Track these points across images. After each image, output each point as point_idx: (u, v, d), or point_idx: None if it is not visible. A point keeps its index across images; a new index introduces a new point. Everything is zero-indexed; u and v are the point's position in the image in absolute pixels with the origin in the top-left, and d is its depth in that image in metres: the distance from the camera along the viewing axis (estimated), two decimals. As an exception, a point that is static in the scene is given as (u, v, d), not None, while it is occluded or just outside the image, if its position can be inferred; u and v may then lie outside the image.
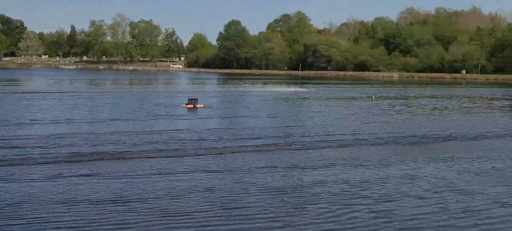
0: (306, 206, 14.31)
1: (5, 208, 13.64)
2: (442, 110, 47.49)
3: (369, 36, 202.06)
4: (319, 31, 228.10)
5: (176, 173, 18.05)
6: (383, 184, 16.94)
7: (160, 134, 27.75)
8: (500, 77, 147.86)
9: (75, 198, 14.64)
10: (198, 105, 45.05)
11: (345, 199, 14.97)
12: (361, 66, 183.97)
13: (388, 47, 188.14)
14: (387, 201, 14.86)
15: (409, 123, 35.80)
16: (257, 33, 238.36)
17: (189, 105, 44.91)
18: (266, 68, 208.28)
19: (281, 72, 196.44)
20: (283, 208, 14.11)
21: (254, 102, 53.40)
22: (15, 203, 14.08)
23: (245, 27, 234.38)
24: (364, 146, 25.12)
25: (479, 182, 17.50)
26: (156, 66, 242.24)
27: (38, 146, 22.72)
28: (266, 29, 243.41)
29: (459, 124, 35.81)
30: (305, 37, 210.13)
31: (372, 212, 13.79)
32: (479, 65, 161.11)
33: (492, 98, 67.75)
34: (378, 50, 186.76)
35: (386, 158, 21.64)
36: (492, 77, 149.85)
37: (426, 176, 18.22)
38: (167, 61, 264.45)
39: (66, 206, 13.87)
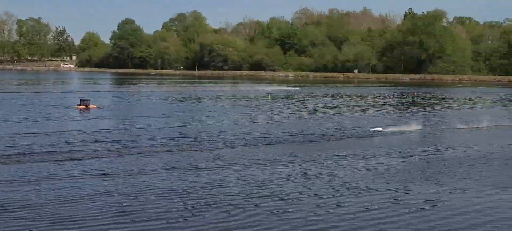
0: (204, 207, 13.96)
1: None
2: (335, 108, 48.51)
3: (265, 36, 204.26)
4: (215, 31, 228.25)
5: (67, 177, 17.17)
6: (281, 183, 16.85)
7: (49, 136, 26.44)
8: (390, 76, 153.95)
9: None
10: (90, 106, 43.58)
11: (243, 200, 14.73)
12: (257, 66, 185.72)
13: (284, 47, 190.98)
14: (286, 200, 14.75)
15: (303, 122, 36.22)
16: (152, 32, 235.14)
17: (81, 106, 43.33)
18: (162, 68, 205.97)
19: (177, 72, 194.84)
20: (181, 211, 13.69)
21: (148, 103, 52.43)
22: None
23: (139, 26, 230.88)
24: (261, 145, 25.04)
25: (374, 179, 17.78)
26: (45, 66, 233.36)
27: None
28: (161, 28, 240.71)
29: (351, 121, 36.64)
30: (201, 37, 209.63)
31: (271, 212, 13.62)
32: (370, 64, 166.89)
33: (382, 96, 70.11)
34: (274, 50, 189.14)
35: (282, 157, 21.64)
36: (382, 76, 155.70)
37: (322, 175, 18.31)
38: (57, 60, 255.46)
39: None
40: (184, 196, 15.13)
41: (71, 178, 17.19)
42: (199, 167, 19.37)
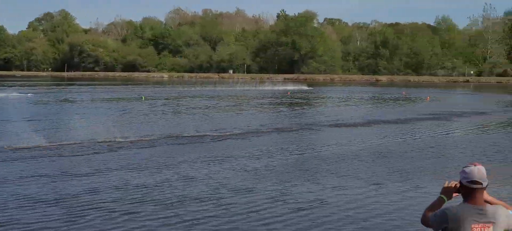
0: (80, 217, 12.98)
1: None
2: (210, 109, 48.33)
3: (137, 36, 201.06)
4: (85, 31, 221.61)
5: None
6: (160, 188, 16.13)
7: None
8: (265, 76, 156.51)
9: None
10: None
11: (122, 206, 13.90)
12: (131, 67, 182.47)
13: (157, 47, 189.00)
14: (165, 204, 14.10)
15: (178, 122, 35.65)
16: (16, 32, 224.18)
17: None
18: (28, 70, 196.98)
19: (45, 73, 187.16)
20: (53, 221, 12.63)
21: (10, 105, 49.75)
22: None
23: (2, 25, 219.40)
24: (135, 148, 24.12)
25: (255, 180, 17.51)
26: None
27: None
28: (27, 28, 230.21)
29: (227, 122, 36.48)
30: (71, 37, 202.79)
31: (150, 218, 12.92)
32: (245, 65, 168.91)
33: (258, 97, 70.92)
34: (147, 51, 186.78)
35: (158, 160, 20.90)
36: (257, 76, 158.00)
37: (202, 177, 17.80)
38: None
39: None
40: (55, 204, 14.05)
41: None
42: (71, 172, 18.20)
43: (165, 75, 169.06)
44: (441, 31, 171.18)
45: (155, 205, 14.09)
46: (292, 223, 12.86)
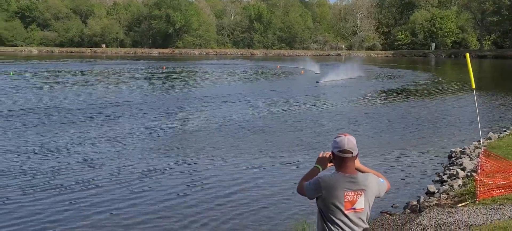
0: None
1: None
2: (82, 85, 46.98)
3: (2, 9, 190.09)
4: None
5: None
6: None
7: None
8: (139, 51, 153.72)
9: None
10: None
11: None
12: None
13: (24, 20, 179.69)
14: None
15: (45, 98, 34.47)
16: None
17: None
18: None
19: None
20: None
21: None
22: None
23: None
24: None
25: (137, 155, 17.38)
26: None
27: None
28: None
29: (100, 97, 35.70)
30: None
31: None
32: (118, 39, 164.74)
33: (131, 71, 69.65)
34: (14, 24, 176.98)
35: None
36: (131, 51, 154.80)
37: (74, 155, 17.44)
38: None
39: None
40: None
41: None
42: None
43: (34, 50, 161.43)
44: (312, 6, 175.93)
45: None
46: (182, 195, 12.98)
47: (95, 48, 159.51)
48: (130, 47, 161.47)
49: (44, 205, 12.25)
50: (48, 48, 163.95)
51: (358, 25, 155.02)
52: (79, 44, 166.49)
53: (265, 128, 23.38)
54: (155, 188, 13.80)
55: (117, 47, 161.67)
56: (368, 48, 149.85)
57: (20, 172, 15.03)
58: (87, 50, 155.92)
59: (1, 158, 16.83)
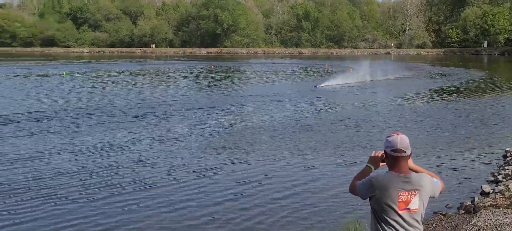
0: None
1: None
2: (134, 83, 47.70)
3: (55, 10, 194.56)
4: (0, 6, 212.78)
5: None
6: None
7: None
8: (188, 50, 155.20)
9: None
10: None
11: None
12: (50, 42, 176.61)
13: (76, 22, 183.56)
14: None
15: (97, 98, 35.09)
16: None
17: None
18: None
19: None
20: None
21: None
22: None
23: None
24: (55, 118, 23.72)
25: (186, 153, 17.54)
26: None
27: None
28: None
29: (151, 96, 36.17)
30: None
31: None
32: (167, 39, 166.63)
33: (180, 71, 70.30)
34: (66, 25, 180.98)
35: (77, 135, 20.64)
36: (180, 50, 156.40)
37: (130, 153, 17.72)
38: None
39: None
40: None
41: None
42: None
43: (86, 50, 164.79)
44: (360, 4, 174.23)
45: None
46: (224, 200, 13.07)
47: (145, 48, 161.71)
48: (179, 47, 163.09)
49: (100, 204, 12.51)
50: (99, 49, 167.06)
51: (408, 23, 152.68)
52: (129, 45, 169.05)
53: (313, 127, 23.30)
54: (208, 187, 13.93)
55: (166, 47, 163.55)
56: (418, 46, 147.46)
57: (76, 171, 15.37)
58: (137, 50, 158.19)
59: (58, 157, 17.22)
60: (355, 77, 48.72)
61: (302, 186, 14.09)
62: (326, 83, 44.82)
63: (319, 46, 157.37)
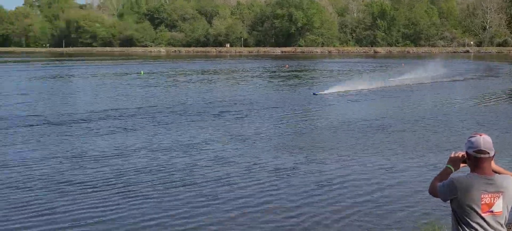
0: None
1: None
2: (208, 83, 48.35)
3: (133, 11, 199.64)
4: (81, 7, 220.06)
5: None
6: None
7: None
8: (262, 49, 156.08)
9: None
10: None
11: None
12: (128, 42, 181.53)
13: (154, 22, 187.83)
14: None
15: (174, 96, 35.74)
16: (13, 9, 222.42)
17: None
18: (27, 46, 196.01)
19: (44, 49, 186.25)
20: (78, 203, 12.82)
21: (13, 79, 49.88)
22: None
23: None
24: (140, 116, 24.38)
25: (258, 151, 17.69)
26: None
27: None
28: (23, 5, 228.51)
29: (228, 95, 36.58)
30: (66, 13, 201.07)
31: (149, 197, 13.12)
32: (242, 38, 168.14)
33: (253, 70, 70.73)
34: (144, 25, 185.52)
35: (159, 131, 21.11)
36: (254, 49, 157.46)
37: (207, 151, 18.04)
38: None
39: None
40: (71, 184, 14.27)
41: None
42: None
43: (163, 50, 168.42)
44: (438, 1, 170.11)
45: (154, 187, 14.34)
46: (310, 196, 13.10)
47: (220, 48, 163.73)
48: (253, 46, 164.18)
49: (179, 203, 12.71)
50: (176, 48, 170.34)
51: (488, 20, 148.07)
52: (205, 44, 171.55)
53: (388, 126, 22.99)
54: (285, 186, 13.95)
55: (241, 46, 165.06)
56: (499, 44, 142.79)
57: (155, 169, 15.72)
58: (212, 50, 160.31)
59: (137, 155, 17.71)
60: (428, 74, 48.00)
61: (379, 186, 13.94)
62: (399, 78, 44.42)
63: (395, 45, 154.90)
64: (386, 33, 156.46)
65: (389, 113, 27.68)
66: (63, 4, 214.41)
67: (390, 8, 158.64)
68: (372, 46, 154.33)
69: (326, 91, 37.86)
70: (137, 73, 61.94)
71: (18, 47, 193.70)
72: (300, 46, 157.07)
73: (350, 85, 40.36)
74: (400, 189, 13.67)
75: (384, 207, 12.31)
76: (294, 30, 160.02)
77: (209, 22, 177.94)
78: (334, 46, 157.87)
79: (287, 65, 79.44)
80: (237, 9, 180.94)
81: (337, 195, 13.16)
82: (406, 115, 26.83)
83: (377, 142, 19.65)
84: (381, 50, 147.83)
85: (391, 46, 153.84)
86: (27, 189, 13.64)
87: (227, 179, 14.59)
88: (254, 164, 16.26)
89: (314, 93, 37.14)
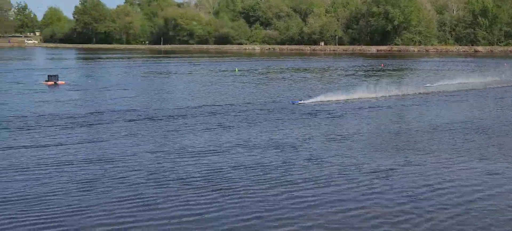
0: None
1: None
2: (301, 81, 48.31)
3: (229, 9, 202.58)
4: (179, 5, 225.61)
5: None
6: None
7: (20, 109, 25.89)
8: (357, 48, 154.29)
9: None
10: (59, 82, 42.95)
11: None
12: (223, 39, 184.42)
13: (249, 20, 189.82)
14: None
15: (267, 93, 35.95)
16: (114, 7, 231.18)
17: (49, 82, 42.75)
18: (127, 43, 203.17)
19: (143, 46, 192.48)
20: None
21: (115, 76, 51.91)
22: None
23: (100, 0, 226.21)
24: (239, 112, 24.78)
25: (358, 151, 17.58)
26: (9, 42, 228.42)
27: None
28: (124, 3, 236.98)
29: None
30: (165, 11, 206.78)
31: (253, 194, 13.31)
32: (336, 36, 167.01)
33: (349, 68, 70.07)
34: (239, 23, 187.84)
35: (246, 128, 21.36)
36: (349, 48, 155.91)
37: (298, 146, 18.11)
38: (21, 36, 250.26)
39: None
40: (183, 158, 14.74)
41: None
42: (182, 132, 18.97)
43: (257, 48, 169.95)
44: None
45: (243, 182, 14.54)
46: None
47: (314, 46, 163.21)
48: (348, 45, 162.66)
49: (276, 200, 12.78)
50: (270, 46, 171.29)
51: None
52: (299, 42, 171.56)
53: (489, 128, 22.24)
54: (384, 189, 13.72)
55: (335, 45, 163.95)
56: None
57: (251, 166, 15.89)
58: (306, 48, 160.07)
59: (233, 151, 17.97)
60: None
61: (483, 190, 13.44)
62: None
63: (497, 44, 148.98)
64: (487, 32, 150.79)
65: (488, 113, 26.77)
66: (162, 2, 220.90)
67: (493, 6, 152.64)
68: (472, 45, 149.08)
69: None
70: (232, 70, 62.83)
71: (119, 44, 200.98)
72: (396, 44, 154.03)
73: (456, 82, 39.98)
74: (506, 195, 13.17)
75: (488, 212, 11.90)
76: (390, 29, 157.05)
77: (304, 20, 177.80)
78: (432, 44, 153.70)
79: (382, 64, 78.20)
80: (332, 7, 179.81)
81: (434, 199, 12.77)
82: (506, 116, 25.85)
83: (477, 144, 19.04)
84: (481, 49, 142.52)
85: (492, 45, 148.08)
86: (129, 183, 14.12)
87: (321, 179, 14.52)
88: (349, 164, 16.08)
89: (292, 102, 31.57)
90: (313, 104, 30.32)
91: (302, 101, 30.84)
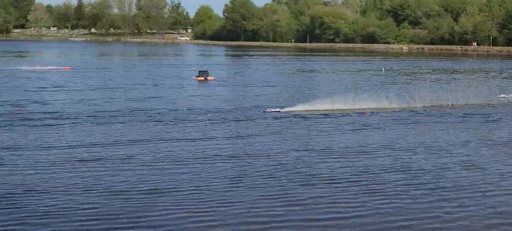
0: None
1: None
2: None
3: (376, 7, 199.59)
4: (325, 3, 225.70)
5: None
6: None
7: (174, 104, 27.40)
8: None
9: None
10: (209, 78, 44.67)
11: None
12: (370, 38, 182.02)
13: (397, 19, 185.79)
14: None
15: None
16: (262, 5, 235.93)
17: (200, 78, 44.61)
18: (274, 41, 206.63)
19: (289, 44, 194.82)
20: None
21: (265, 73, 53.05)
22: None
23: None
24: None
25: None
26: (163, 39, 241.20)
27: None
28: (271, 1, 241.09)
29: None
30: (311, 9, 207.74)
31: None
32: (490, 37, 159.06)
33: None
34: (386, 22, 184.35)
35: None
36: (505, 49, 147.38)
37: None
38: (174, 33, 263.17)
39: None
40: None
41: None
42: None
43: (405, 47, 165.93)
44: None
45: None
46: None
47: (466, 46, 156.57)
48: (503, 46, 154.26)
49: (425, 207, 12.41)
50: (418, 46, 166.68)
51: None
52: (449, 42, 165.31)
53: None
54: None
55: (489, 45, 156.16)
56: None
57: (399, 170, 15.51)
58: (457, 48, 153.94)
59: (378, 153, 17.71)
60: None
61: None
62: None
63: None
64: None
65: None
66: (308, 1, 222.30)
67: None
68: None
69: None
70: (378, 70, 61.88)
71: (265, 41, 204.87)
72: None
73: None
74: None
75: None
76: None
77: (455, 20, 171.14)
78: None
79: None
80: (487, 6, 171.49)
81: None
82: None
83: None
84: None
85: None
86: (275, 181, 14.34)
87: (477, 185, 13.94)
88: (509, 172, 15.32)
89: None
90: (458, 107, 29.15)
91: None
